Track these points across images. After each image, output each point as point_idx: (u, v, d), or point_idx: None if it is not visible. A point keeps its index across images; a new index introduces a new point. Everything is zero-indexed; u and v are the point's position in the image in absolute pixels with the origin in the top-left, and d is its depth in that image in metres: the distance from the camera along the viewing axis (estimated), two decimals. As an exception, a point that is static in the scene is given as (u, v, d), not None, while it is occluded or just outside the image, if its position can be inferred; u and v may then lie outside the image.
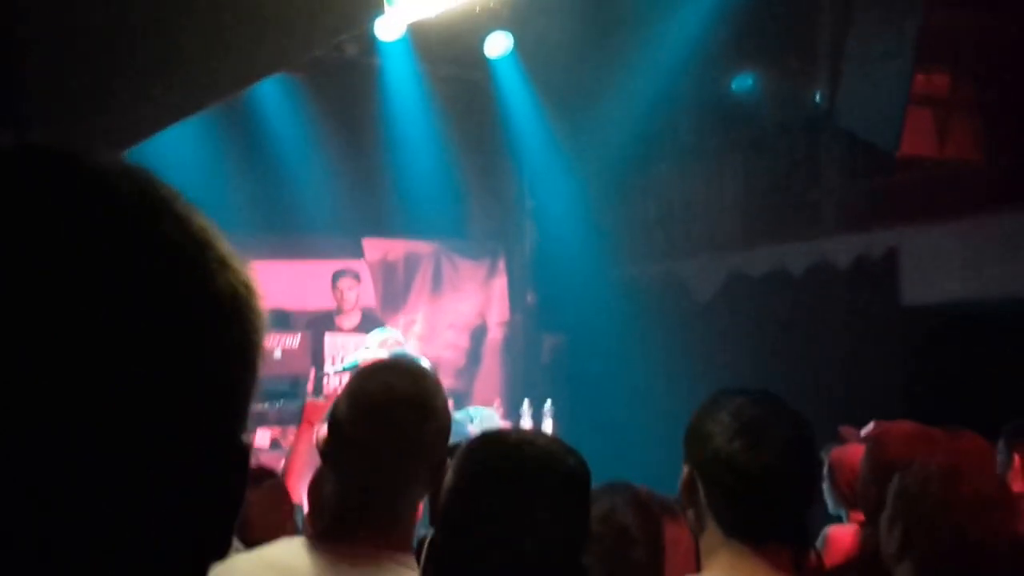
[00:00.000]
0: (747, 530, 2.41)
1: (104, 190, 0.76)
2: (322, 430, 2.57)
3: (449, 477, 2.26)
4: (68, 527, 0.70)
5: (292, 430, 9.28)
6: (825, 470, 4.77)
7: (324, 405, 5.05)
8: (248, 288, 0.82)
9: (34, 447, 0.69)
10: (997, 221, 7.85)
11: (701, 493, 2.46)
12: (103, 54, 5.38)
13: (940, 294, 8.18)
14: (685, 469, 2.52)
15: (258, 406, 9.25)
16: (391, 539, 2.43)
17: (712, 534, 2.44)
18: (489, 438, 2.41)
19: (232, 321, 0.80)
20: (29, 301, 0.69)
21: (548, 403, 9.21)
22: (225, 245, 0.82)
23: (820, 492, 4.47)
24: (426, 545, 2.37)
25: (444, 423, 2.55)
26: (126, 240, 0.74)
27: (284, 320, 10.24)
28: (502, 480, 2.22)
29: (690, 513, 2.51)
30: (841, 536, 4.54)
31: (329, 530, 2.47)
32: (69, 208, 0.73)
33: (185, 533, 0.77)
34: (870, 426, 4.69)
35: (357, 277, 10.24)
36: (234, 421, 0.82)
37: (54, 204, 0.73)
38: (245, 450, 0.83)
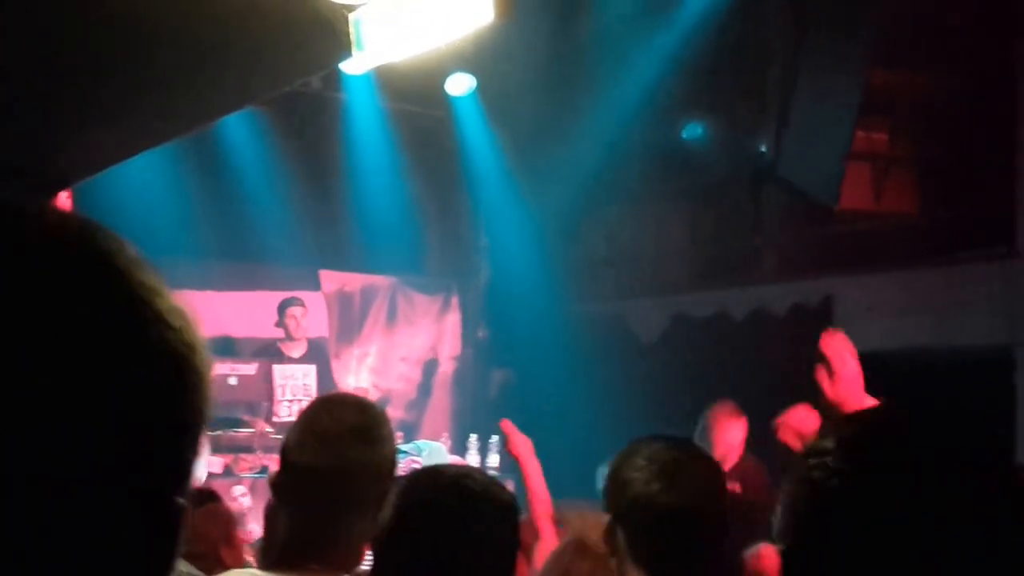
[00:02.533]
0: (668, 571, 2.52)
1: (42, 242, 0.74)
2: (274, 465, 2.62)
3: (387, 511, 2.27)
4: None
5: (244, 457, 9.34)
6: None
7: None
8: (190, 346, 0.79)
9: None
10: (930, 273, 8.10)
11: (622, 541, 2.55)
12: (72, 83, 5.49)
13: (873, 343, 8.37)
14: (606, 519, 2.61)
15: (211, 432, 9.34)
16: (340, 570, 2.44)
17: None
18: (427, 473, 2.45)
19: (171, 379, 0.77)
20: None
21: (495, 438, 9.16)
22: (169, 299, 0.79)
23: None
24: None
25: (391, 453, 2.61)
26: (63, 293, 0.73)
27: (239, 348, 10.31)
28: (439, 514, 2.23)
29: (613, 561, 2.60)
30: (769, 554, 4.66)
31: (280, 561, 2.50)
32: (3, 260, 0.72)
33: None
34: None
35: (304, 306, 10.35)
36: (168, 480, 0.79)
37: None
38: (181, 511, 0.80)
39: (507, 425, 4.74)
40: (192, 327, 0.80)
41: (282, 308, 10.27)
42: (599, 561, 2.95)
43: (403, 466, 8.20)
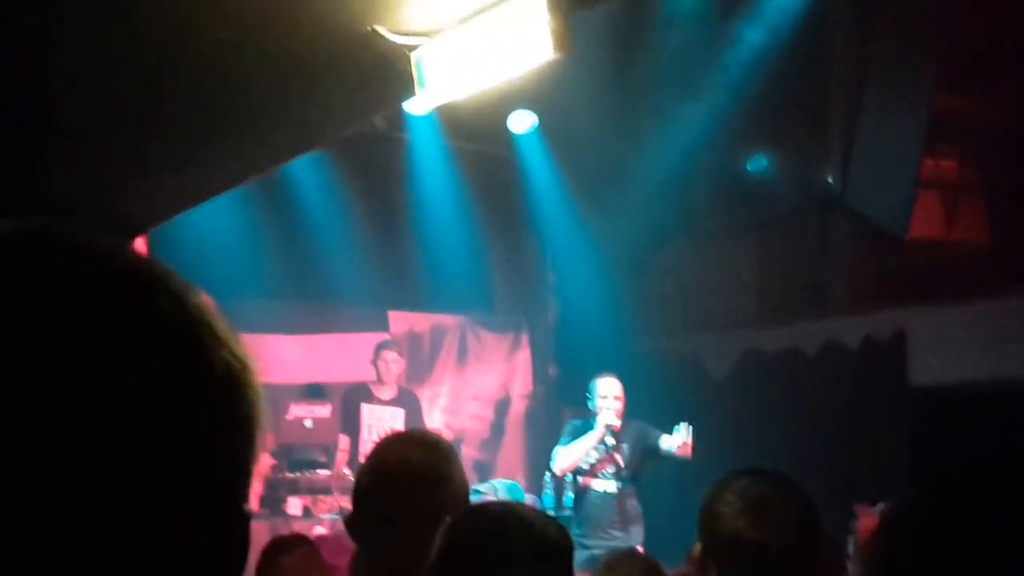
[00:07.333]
0: None
1: (96, 269, 0.78)
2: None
3: (434, 550, 2.22)
4: None
5: (323, 499, 9.39)
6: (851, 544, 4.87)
7: None
8: (243, 364, 0.83)
9: (32, 521, 0.70)
10: (1002, 303, 7.97)
11: (714, 571, 2.57)
12: (141, 133, 5.59)
13: (946, 375, 8.28)
14: (698, 546, 2.64)
15: (290, 475, 9.40)
16: None
17: None
18: (472, 511, 2.39)
19: (229, 396, 0.81)
20: (22, 382, 0.71)
21: (569, 476, 9.13)
22: (221, 322, 0.83)
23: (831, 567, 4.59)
24: None
25: (460, 490, 2.62)
26: (120, 317, 0.76)
27: (314, 391, 10.38)
28: (485, 552, 2.19)
29: None
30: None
31: None
32: (61, 288, 0.75)
33: None
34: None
35: (400, 352, 10.33)
36: (235, 492, 0.83)
37: (46, 285, 0.75)
38: (246, 518, 0.85)
39: None
40: (242, 345, 0.84)
41: (377, 349, 10.24)
42: None
43: (478, 505, 8.16)
